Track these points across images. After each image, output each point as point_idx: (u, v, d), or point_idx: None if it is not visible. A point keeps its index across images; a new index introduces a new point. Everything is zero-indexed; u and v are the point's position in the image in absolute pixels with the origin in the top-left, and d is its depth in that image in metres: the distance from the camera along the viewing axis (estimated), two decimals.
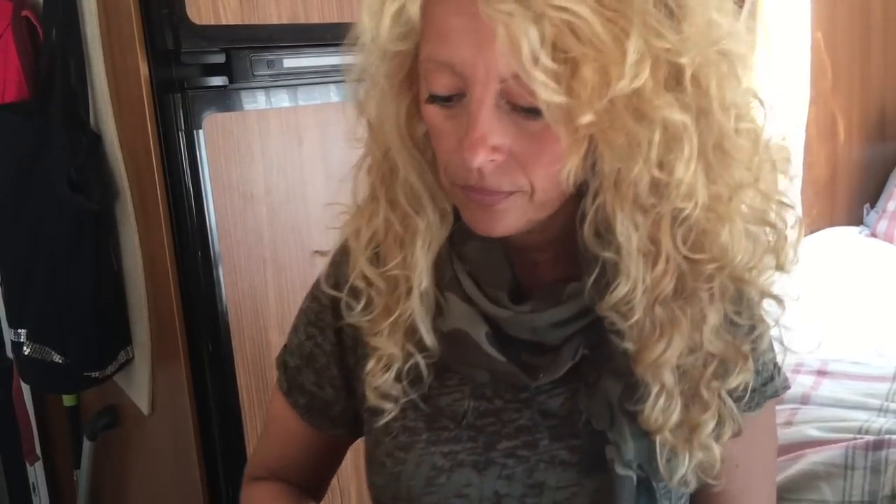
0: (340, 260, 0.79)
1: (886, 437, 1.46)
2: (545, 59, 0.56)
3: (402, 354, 0.74)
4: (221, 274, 1.34)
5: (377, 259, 0.74)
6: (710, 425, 0.69)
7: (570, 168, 0.60)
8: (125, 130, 1.40)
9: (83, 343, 1.47)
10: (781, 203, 0.68)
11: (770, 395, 0.78)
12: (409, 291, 0.73)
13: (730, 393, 0.70)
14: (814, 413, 1.63)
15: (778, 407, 1.71)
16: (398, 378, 0.75)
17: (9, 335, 1.56)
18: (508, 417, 0.75)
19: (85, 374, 1.49)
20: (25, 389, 1.72)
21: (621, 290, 0.63)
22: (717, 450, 0.70)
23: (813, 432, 1.55)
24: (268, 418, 0.91)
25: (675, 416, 0.68)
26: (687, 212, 0.62)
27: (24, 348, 1.50)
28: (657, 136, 0.59)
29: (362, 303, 0.75)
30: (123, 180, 1.43)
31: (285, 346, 0.86)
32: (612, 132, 0.59)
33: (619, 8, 0.56)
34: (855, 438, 1.49)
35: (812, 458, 1.47)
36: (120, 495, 1.70)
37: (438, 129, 0.65)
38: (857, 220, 2.75)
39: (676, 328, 0.65)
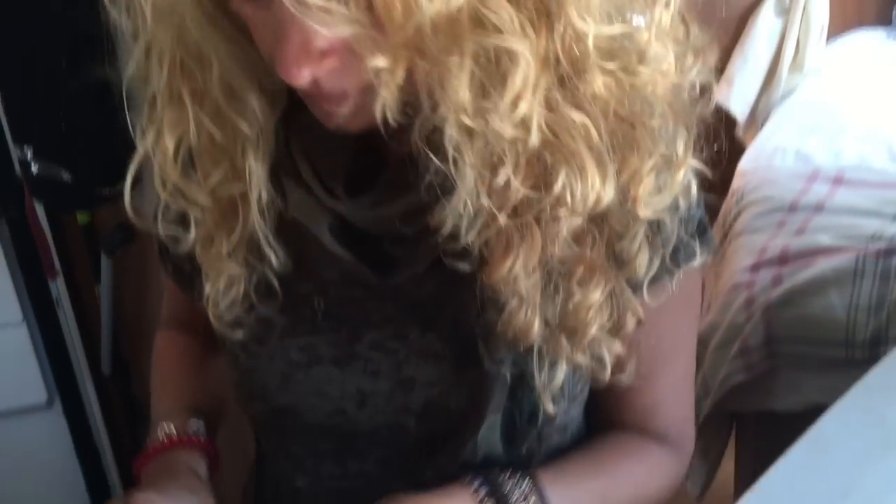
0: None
1: None
2: None
3: (246, 271, 0.64)
4: None
5: (193, 168, 0.60)
6: (592, 329, 0.60)
7: (385, 99, 0.47)
8: None
9: (91, 160, 1.46)
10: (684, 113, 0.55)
11: (682, 262, 0.64)
12: (245, 202, 0.60)
13: (628, 281, 0.60)
14: (827, 221, 1.62)
15: (790, 217, 1.71)
16: (246, 296, 0.65)
17: (16, 154, 1.55)
18: (374, 307, 0.65)
19: (96, 191, 1.49)
20: (39, 208, 1.73)
21: (453, 205, 0.51)
22: (606, 353, 0.62)
23: (825, 240, 1.55)
24: None
25: (537, 326, 0.59)
26: (519, 145, 0.50)
27: (32, 166, 1.49)
28: (475, 71, 0.46)
29: (187, 226, 0.63)
30: None
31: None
32: (420, 61, 0.46)
33: None
34: (867, 246, 1.49)
35: (822, 265, 1.48)
36: (142, 308, 1.75)
37: (250, 22, 0.50)
38: (887, 21, 2.63)
39: (525, 243, 0.55)
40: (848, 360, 1.42)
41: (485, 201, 0.52)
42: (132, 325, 1.78)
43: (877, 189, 1.71)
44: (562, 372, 0.63)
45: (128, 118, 0.62)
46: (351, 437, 0.69)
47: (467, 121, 0.48)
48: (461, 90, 0.47)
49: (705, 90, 0.59)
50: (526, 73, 0.47)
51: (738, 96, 2.29)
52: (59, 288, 1.77)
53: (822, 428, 0.88)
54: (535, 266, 0.56)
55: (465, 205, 0.52)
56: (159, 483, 0.69)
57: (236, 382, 0.71)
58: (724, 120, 2.20)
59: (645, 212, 0.56)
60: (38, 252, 1.70)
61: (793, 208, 1.71)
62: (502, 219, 0.53)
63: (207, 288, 0.65)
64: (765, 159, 1.93)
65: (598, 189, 0.52)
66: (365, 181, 0.61)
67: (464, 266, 0.58)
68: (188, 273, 0.73)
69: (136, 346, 1.80)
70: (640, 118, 0.53)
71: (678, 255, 0.64)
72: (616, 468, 0.72)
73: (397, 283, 0.63)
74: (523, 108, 0.48)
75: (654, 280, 0.63)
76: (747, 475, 1.59)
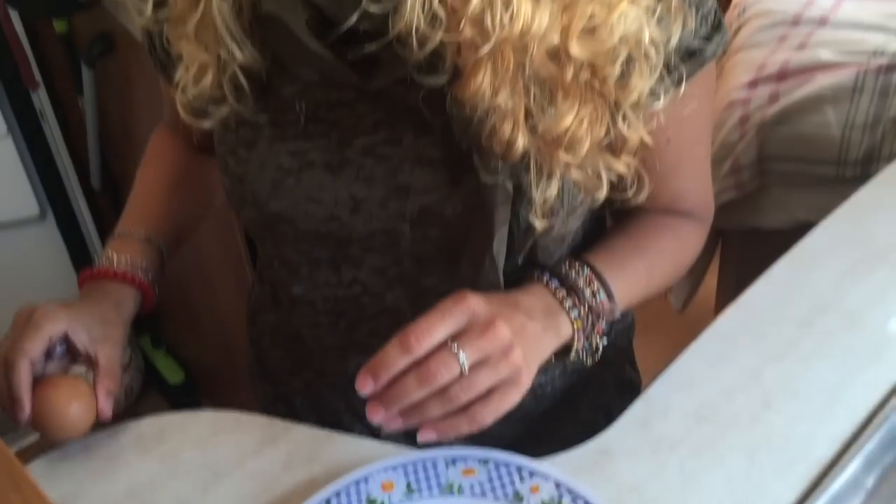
0: None
1: None
2: None
3: (216, 61, 0.61)
4: None
5: None
6: (584, 145, 0.58)
7: None
8: None
9: None
10: None
11: (709, 57, 0.64)
12: None
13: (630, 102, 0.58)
14: (830, 35, 1.57)
15: (792, 31, 1.66)
16: (218, 88, 0.62)
17: None
18: (364, 111, 0.63)
19: None
20: (14, 17, 1.66)
21: (410, 5, 0.50)
22: (604, 170, 0.61)
23: (826, 55, 1.51)
24: None
25: (521, 142, 0.57)
26: None
27: None
28: None
29: (159, 4, 0.61)
30: None
31: None
32: None
33: None
34: (868, 61, 1.45)
35: (821, 82, 1.45)
36: (128, 123, 1.72)
37: None
38: None
39: (494, 59, 0.53)
40: (838, 178, 1.42)
41: (439, 10, 0.50)
42: (119, 139, 1.75)
43: (884, 2, 1.65)
44: (555, 186, 0.62)
45: None
46: (345, 244, 0.68)
47: None
48: None
49: None
50: None
51: None
52: (41, 99, 1.73)
53: (808, 243, 0.89)
54: (511, 82, 0.54)
55: (419, 7, 0.50)
56: (76, 302, 0.71)
57: (228, 189, 0.70)
58: None
59: (577, 51, 0.54)
60: (16, 62, 1.65)
61: (796, 22, 1.65)
62: (467, 31, 0.51)
63: (178, 73, 0.63)
64: None
65: (526, 15, 0.50)
66: None
67: (436, 80, 0.56)
68: (170, 64, 0.71)
69: (124, 162, 1.78)
70: None
71: (688, 63, 0.63)
72: (656, 245, 0.75)
73: (383, 86, 0.60)
74: None
75: (663, 92, 0.61)
76: (729, 291, 1.63)
